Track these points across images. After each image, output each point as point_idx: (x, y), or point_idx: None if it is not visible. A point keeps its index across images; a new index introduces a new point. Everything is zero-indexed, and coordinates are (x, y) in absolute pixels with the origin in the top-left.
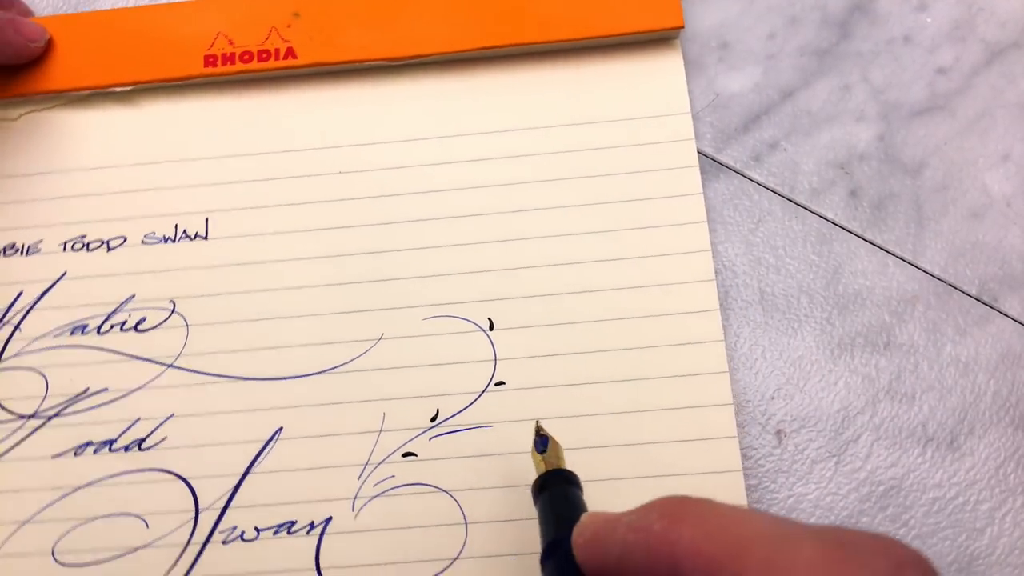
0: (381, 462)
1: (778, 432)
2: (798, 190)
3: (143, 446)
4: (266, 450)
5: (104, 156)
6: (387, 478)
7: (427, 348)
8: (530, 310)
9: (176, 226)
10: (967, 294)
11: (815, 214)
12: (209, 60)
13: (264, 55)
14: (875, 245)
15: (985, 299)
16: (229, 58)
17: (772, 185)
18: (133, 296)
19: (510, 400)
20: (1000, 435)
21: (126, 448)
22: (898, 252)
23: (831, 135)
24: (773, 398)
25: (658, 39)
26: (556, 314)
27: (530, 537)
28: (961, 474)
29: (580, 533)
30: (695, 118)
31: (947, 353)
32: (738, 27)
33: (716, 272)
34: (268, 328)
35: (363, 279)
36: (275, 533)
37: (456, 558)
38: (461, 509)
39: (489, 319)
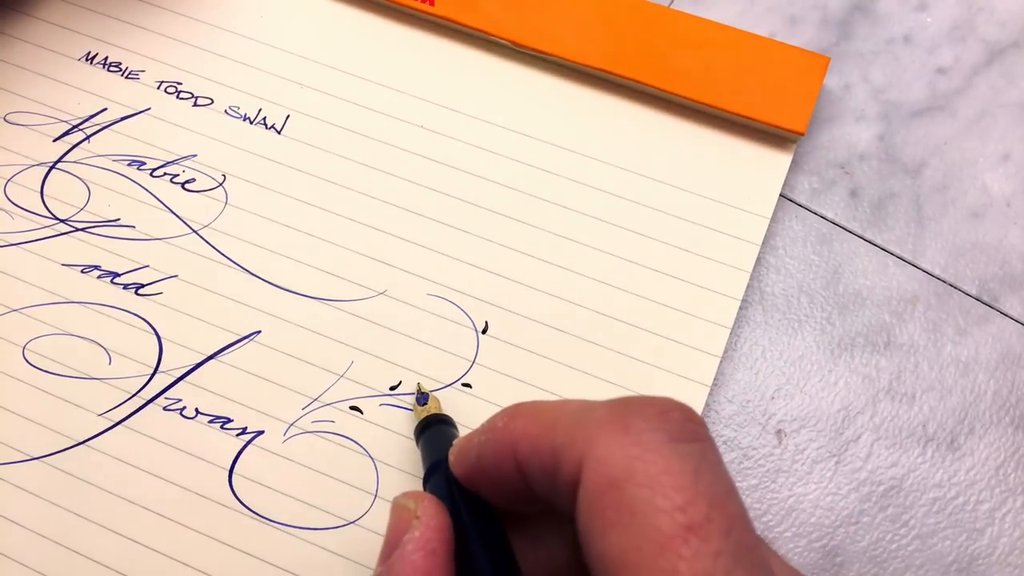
0: (328, 404)
1: (778, 432)
2: (798, 190)
3: (139, 292)
4: (238, 344)
5: (228, 21)
6: (326, 421)
7: (417, 321)
8: (525, 332)
9: (260, 111)
10: (967, 294)
11: (815, 214)
12: None
13: None
14: (875, 245)
15: (985, 299)
16: None
17: None
18: (195, 156)
19: (470, 404)
20: (1000, 435)
21: (124, 287)
22: (898, 252)
23: (831, 135)
24: (773, 398)
25: (776, 136)
26: (545, 346)
27: None
28: (961, 474)
29: (452, 451)
30: None
31: (947, 353)
32: (738, 27)
33: None
34: (291, 237)
35: (395, 232)
36: (210, 422)
37: (352, 522)
38: (377, 481)
39: (486, 322)
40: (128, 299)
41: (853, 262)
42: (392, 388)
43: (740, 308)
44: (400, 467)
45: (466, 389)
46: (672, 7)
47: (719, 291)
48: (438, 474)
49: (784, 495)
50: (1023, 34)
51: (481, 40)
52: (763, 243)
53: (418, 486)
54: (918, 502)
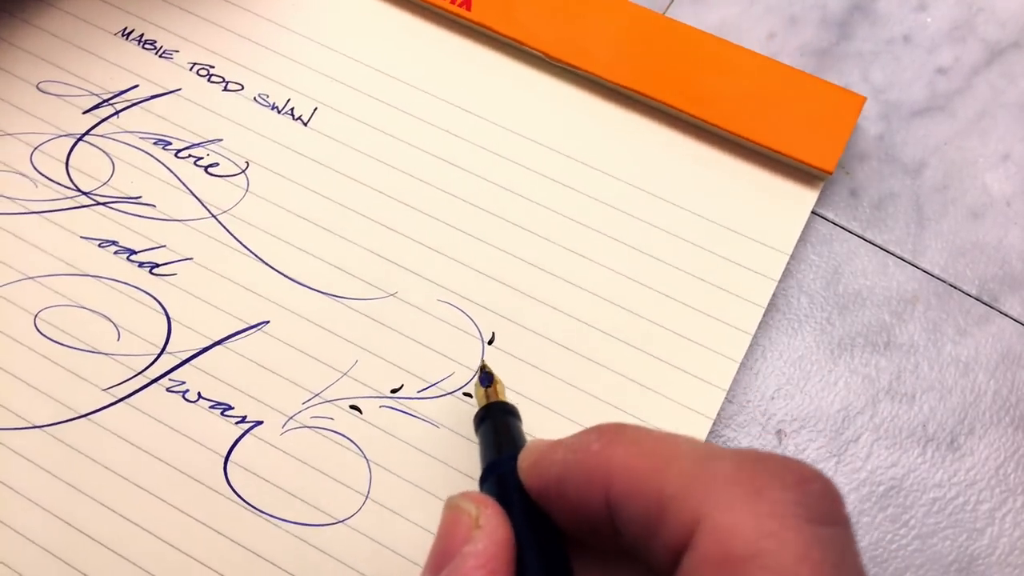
0: (328, 401)
1: (778, 432)
2: None
3: (154, 271)
4: (246, 333)
5: (263, 7)
6: (325, 417)
7: (425, 325)
8: (532, 346)
9: (288, 100)
10: (967, 294)
11: (815, 214)
12: None
13: None
14: (875, 245)
15: (985, 299)
16: None
17: None
18: (221, 140)
19: (470, 413)
20: (1000, 435)
21: (140, 264)
22: (898, 252)
23: None
24: (773, 398)
25: (804, 172)
26: (552, 362)
27: (416, 545)
28: (961, 474)
29: (525, 457)
30: None
31: (947, 353)
32: (738, 27)
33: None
34: (308, 231)
35: (411, 235)
36: (211, 407)
37: (340, 521)
38: (370, 482)
39: (493, 333)
40: (142, 277)
41: (853, 262)
42: (393, 391)
43: None
44: (395, 471)
45: (466, 398)
46: (674, 10)
47: (732, 324)
48: (501, 477)
49: None
50: (1023, 34)
51: (515, 49)
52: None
53: (414, 493)
54: (918, 502)
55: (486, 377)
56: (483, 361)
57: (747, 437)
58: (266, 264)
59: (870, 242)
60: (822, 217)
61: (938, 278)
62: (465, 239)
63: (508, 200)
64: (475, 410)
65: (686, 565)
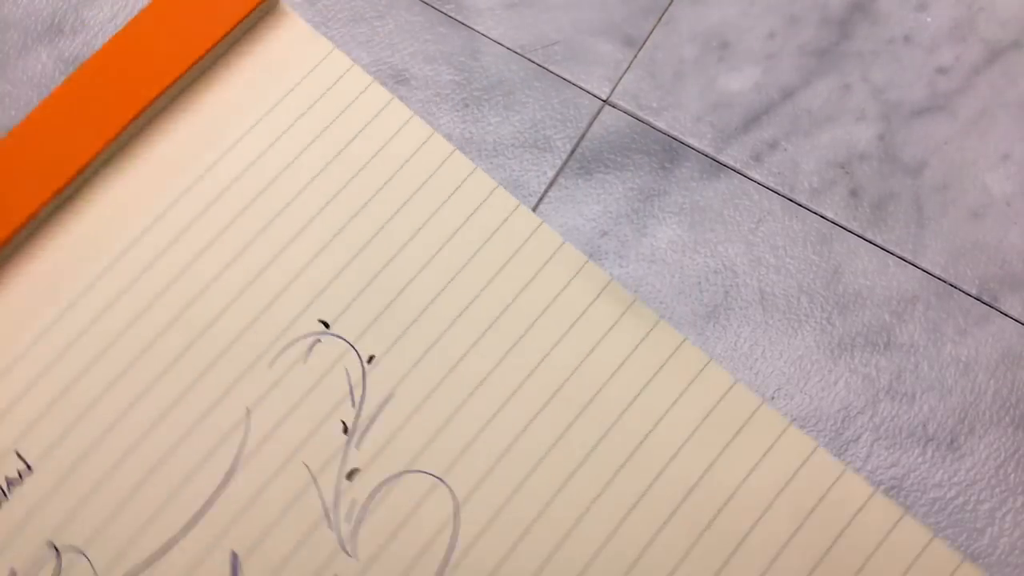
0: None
1: None
2: (798, 190)
3: None
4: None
5: None
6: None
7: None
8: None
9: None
10: (967, 294)
11: (815, 214)
12: None
13: None
14: (875, 245)
15: (985, 299)
16: None
17: (772, 185)
18: None
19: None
20: (1000, 435)
21: None
22: (898, 252)
23: (831, 135)
24: (773, 398)
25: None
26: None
27: None
28: (961, 474)
29: None
30: (696, 119)
31: (947, 353)
32: (738, 27)
33: (716, 272)
34: None
35: None
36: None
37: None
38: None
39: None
40: None
41: (853, 262)
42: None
43: (740, 308)
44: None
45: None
46: (674, 10)
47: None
48: None
49: None
50: (1023, 34)
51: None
52: (763, 243)
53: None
54: (918, 502)
55: None
56: None
57: None
58: None
59: (870, 242)
60: (822, 217)
61: (938, 278)
62: None
63: None
64: None
65: None
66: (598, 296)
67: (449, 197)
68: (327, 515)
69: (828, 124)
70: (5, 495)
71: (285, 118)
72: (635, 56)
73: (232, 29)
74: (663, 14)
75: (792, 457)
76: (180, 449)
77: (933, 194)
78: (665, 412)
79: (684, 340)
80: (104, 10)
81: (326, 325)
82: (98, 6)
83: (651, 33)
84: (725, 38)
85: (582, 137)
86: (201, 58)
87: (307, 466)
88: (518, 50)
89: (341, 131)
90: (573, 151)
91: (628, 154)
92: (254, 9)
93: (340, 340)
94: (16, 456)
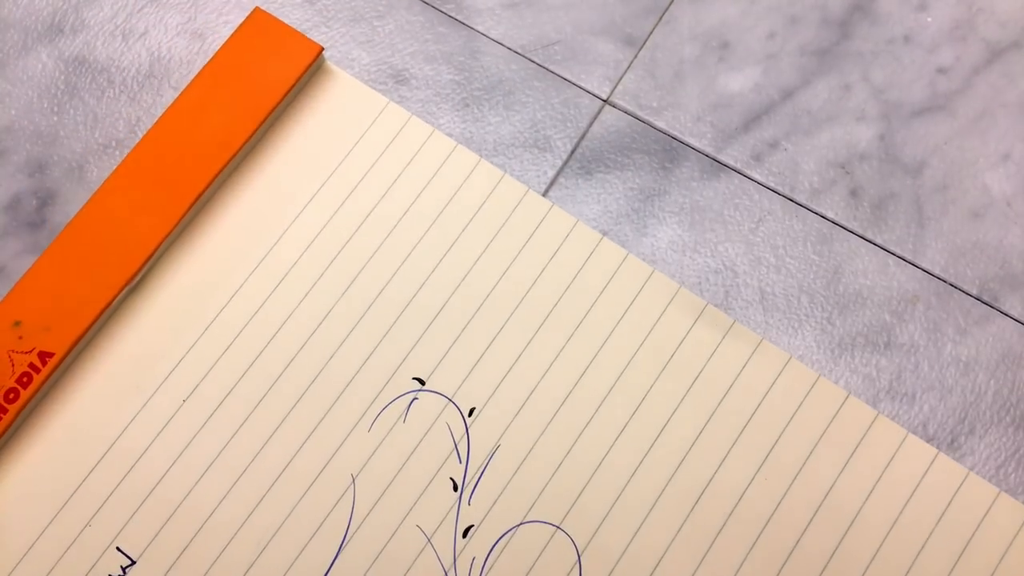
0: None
1: None
2: (798, 190)
3: None
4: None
5: None
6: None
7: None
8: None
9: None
10: (968, 294)
11: (815, 214)
12: None
13: (16, 389)
14: (876, 245)
15: (986, 299)
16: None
17: (772, 185)
18: None
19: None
20: (1001, 435)
21: None
22: (898, 252)
23: (831, 135)
24: None
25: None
26: None
27: None
28: None
29: None
30: (697, 119)
31: (947, 353)
32: (738, 27)
33: (716, 271)
34: None
35: None
36: None
37: None
38: None
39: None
40: None
41: (853, 262)
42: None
43: (740, 308)
44: None
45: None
46: (674, 10)
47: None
48: None
49: None
50: (1023, 34)
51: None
52: (763, 243)
53: None
54: None
55: None
56: None
57: None
58: None
59: (870, 242)
60: (822, 217)
61: (938, 278)
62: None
63: None
64: None
65: None
66: (695, 322)
67: (529, 239)
68: None
69: (828, 124)
70: None
71: (353, 175)
72: (635, 56)
73: (287, 93)
74: (663, 14)
75: (914, 466)
76: (287, 526)
77: (933, 194)
78: (783, 433)
79: (790, 358)
80: (104, 10)
81: (421, 382)
82: (98, 6)
83: (651, 33)
84: (725, 38)
85: (582, 137)
86: (261, 124)
87: (420, 528)
88: (518, 50)
89: (411, 183)
90: (573, 151)
91: (628, 154)
92: (304, 72)
93: (439, 396)
94: (117, 551)
